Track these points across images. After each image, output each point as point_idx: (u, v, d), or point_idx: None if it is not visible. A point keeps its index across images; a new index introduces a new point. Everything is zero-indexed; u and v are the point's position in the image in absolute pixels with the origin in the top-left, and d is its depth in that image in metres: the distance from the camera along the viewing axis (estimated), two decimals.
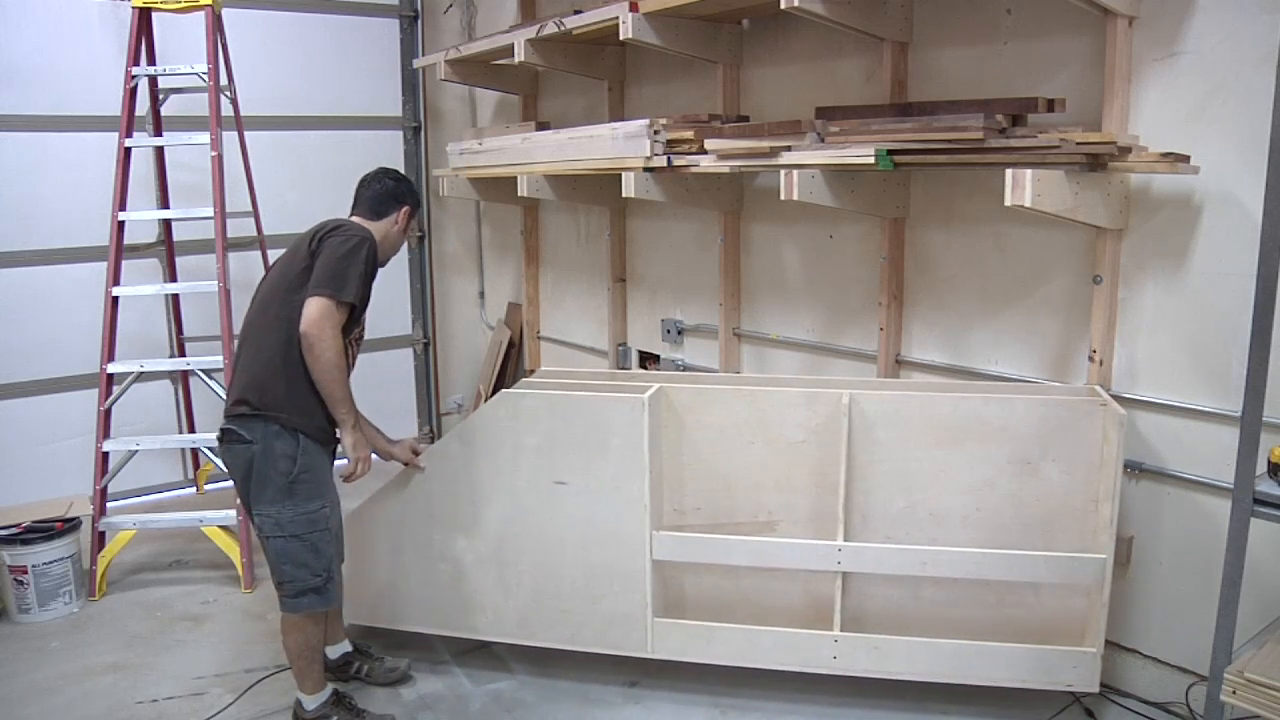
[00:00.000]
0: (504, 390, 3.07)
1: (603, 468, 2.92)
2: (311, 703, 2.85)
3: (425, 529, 3.13)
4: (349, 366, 2.75)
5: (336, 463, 2.85)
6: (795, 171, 3.02)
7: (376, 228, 2.81)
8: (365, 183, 2.91)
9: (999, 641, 2.78)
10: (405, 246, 5.62)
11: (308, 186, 5.32)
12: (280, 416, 2.62)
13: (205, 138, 3.96)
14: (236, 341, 2.77)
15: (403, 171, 2.85)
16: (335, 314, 2.58)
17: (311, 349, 2.55)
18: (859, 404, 2.86)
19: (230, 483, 3.50)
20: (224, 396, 3.70)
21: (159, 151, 4.61)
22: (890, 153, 2.76)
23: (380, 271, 2.83)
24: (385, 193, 2.86)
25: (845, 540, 2.83)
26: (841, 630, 2.86)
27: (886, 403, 2.88)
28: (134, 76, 4.04)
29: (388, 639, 3.33)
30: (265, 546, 2.70)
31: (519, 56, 4.16)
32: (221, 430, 2.69)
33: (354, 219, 2.85)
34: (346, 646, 3.17)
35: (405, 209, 2.88)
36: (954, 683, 2.81)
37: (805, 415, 2.92)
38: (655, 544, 2.93)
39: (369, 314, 2.86)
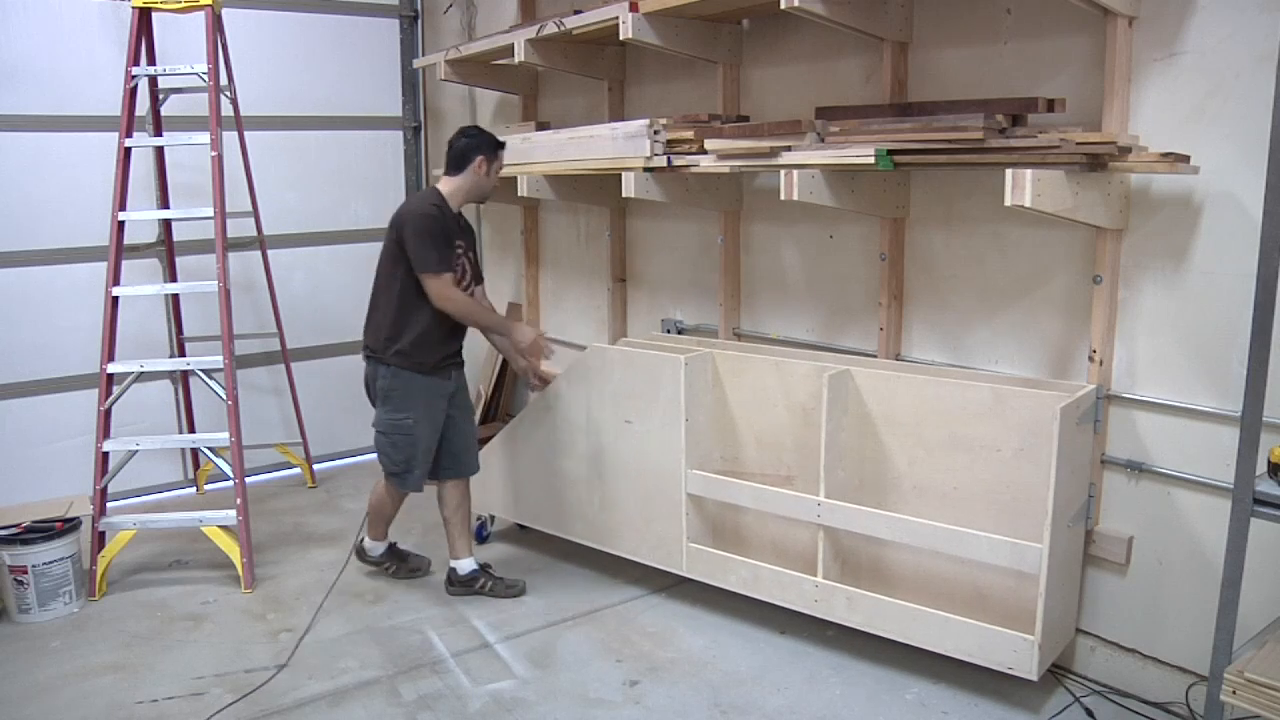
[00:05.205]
0: (594, 345, 3.77)
1: (654, 413, 3.50)
2: (375, 549, 3.92)
3: (543, 451, 3.91)
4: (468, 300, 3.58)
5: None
6: (795, 171, 3.02)
7: (458, 180, 3.53)
8: (449, 144, 3.56)
9: (969, 618, 2.86)
10: None
11: (308, 186, 5.33)
12: (386, 355, 3.54)
13: (205, 138, 3.95)
14: (371, 294, 3.61)
15: (475, 129, 3.63)
16: (439, 280, 3.41)
17: (447, 311, 3.46)
18: (855, 380, 3.21)
19: (229, 482, 3.99)
20: (223, 396, 3.78)
21: (159, 151, 4.61)
22: (890, 153, 2.76)
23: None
24: (460, 151, 3.52)
25: (824, 497, 3.12)
26: (823, 578, 3.16)
27: (879, 381, 3.18)
28: (134, 76, 4.03)
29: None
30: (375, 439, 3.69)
31: (519, 56, 4.16)
32: (365, 355, 3.66)
33: (442, 179, 3.57)
34: (473, 564, 3.80)
35: (480, 158, 3.51)
36: (912, 644, 2.96)
37: (816, 385, 3.23)
38: (688, 480, 3.45)
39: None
